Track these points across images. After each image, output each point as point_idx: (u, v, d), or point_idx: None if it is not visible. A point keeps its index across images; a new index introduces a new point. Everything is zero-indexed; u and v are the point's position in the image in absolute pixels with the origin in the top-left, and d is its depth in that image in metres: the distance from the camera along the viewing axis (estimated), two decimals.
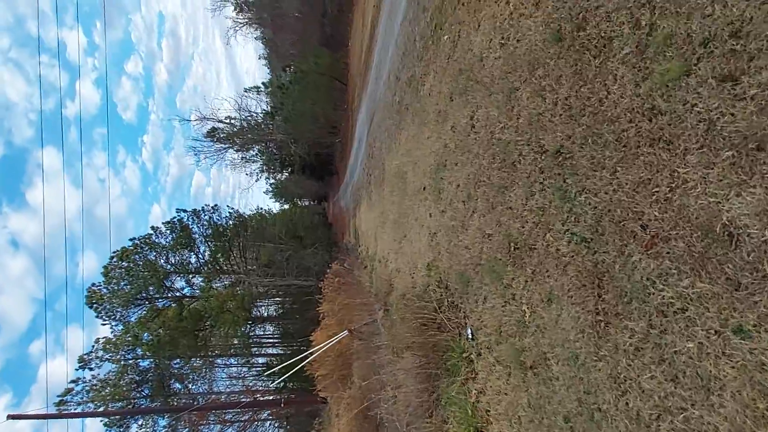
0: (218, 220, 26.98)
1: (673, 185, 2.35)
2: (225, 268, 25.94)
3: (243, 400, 23.93)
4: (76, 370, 22.43)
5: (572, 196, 3.16)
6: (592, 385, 2.82)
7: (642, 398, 2.42)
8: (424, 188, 7.39)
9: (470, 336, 4.93)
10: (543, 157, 3.61)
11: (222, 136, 28.99)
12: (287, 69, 28.17)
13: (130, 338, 22.57)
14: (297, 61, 27.91)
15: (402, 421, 6.48)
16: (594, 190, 2.93)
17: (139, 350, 23.28)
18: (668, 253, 2.35)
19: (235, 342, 26.62)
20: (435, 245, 6.58)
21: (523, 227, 3.92)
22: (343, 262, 15.70)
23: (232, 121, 29.05)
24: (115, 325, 23.52)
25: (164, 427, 23.73)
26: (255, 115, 29.40)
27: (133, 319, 23.68)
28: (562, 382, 3.14)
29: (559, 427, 3.12)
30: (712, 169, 2.13)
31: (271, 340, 31.61)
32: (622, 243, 2.66)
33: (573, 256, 3.12)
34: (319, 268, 21.54)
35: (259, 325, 29.52)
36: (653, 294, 2.42)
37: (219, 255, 25.44)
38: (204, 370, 27.92)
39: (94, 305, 23.05)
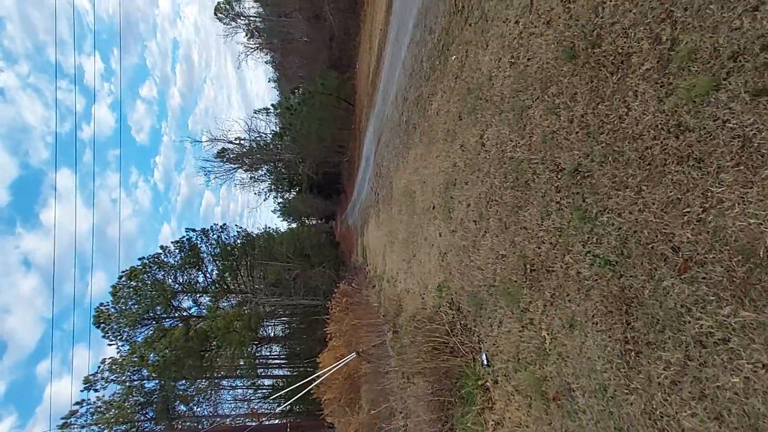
0: (226, 239, 27.07)
1: (707, 205, 2.20)
2: (232, 287, 25.83)
3: (248, 423, 23.34)
4: (81, 391, 22.19)
5: (593, 216, 3.02)
6: (624, 420, 2.61)
7: None
8: (433, 207, 7.28)
9: (485, 362, 4.70)
10: (559, 176, 3.48)
11: (232, 156, 29.40)
12: (296, 91, 28.74)
13: (136, 358, 22.34)
14: (305, 83, 28.49)
15: None
16: (617, 210, 2.78)
17: (145, 371, 23.01)
18: (705, 278, 2.18)
19: (241, 363, 26.23)
20: (445, 265, 6.41)
21: (540, 248, 3.76)
22: (350, 282, 15.50)
23: (242, 142, 29.52)
24: (122, 346, 23.36)
25: None
26: (264, 135, 29.86)
27: (139, 339, 23.54)
28: (589, 416, 2.92)
29: None
30: (751, 188, 1.99)
31: (277, 361, 31.11)
32: (652, 266, 2.50)
33: (596, 280, 2.95)
34: (326, 288, 21.32)
35: (266, 346, 29.14)
36: (689, 323, 2.24)
37: (226, 274, 25.39)
38: (209, 391, 27.46)
39: (102, 325, 22.99)
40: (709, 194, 2.20)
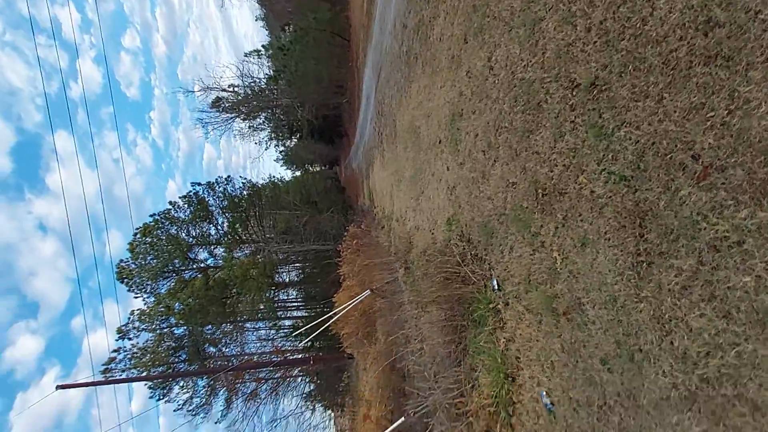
0: (233, 191, 27.18)
1: (732, 107, 2.10)
2: (244, 237, 26.46)
3: (274, 359, 25.27)
4: (116, 340, 23.87)
5: (609, 132, 2.93)
6: (632, 327, 2.75)
7: (689, 337, 2.33)
8: (440, 141, 7.12)
9: (496, 287, 4.89)
10: (574, 93, 3.33)
11: (227, 105, 28.48)
12: (286, 28, 26.94)
13: (162, 309, 23.70)
14: (295, 19, 26.60)
15: (429, 372, 6.67)
16: (636, 122, 2.68)
17: (172, 319, 24.51)
18: (724, 183, 2.15)
19: (261, 307, 27.74)
20: (454, 199, 6.43)
21: (552, 172, 3.71)
22: (359, 224, 15.74)
23: (236, 89, 28.40)
24: (147, 298, 24.66)
25: (203, 387, 25.44)
26: (258, 80, 28.62)
27: (162, 290, 24.75)
28: (598, 325, 3.08)
29: (596, 369, 3.10)
30: None
31: (295, 304, 32.81)
32: (669, 178, 2.46)
33: (610, 197, 2.94)
34: (336, 232, 21.76)
35: (283, 291, 30.54)
36: (705, 229, 2.25)
37: (237, 225, 25.89)
38: (235, 334, 29.38)
39: (125, 280, 24.09)
40: (736, 95, 2.09)
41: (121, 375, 23.53)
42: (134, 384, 26.80)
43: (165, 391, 24.50)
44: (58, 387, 16.86)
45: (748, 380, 2.01)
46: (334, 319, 12.41)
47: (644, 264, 2.66)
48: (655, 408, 2.56)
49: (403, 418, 6.21)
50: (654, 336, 2.58)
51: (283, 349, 27.27)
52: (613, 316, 2.93)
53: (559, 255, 3.62)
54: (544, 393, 3.70)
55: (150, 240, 24.59)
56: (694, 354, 2.30)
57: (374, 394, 11.67)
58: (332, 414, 33.70)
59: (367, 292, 10.93)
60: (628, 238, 2.78)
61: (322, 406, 32.24)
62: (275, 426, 27.81)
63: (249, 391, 26.25)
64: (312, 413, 30.41)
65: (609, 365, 2.96)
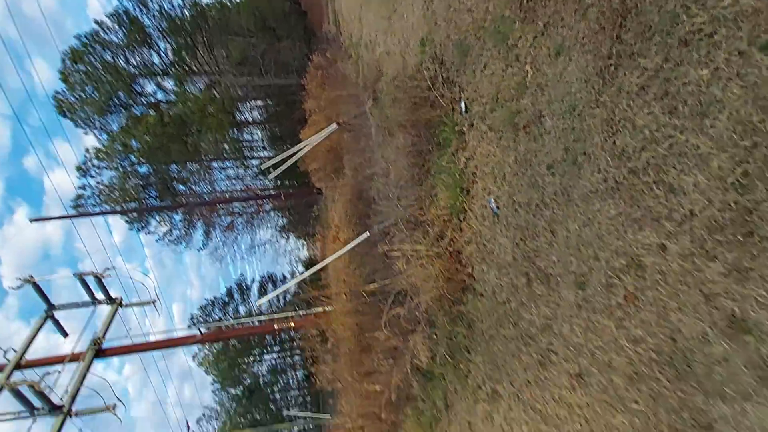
0: (170, 9, 22.86)
1: None
2: (195, 68, 23.71)
3: (245, 195, 26.30)
4: (78, 179, 23.36)
5: None
6: (583, 132, 2.93)
7: (632, 135, 2.54)
8: None
9: (464, 109, 4.90)
10: None
11: None
12: None
13: (119, 147, 22.63)
14: None
15: (393, 193, 7.23)
16: None
17: (133, 157, 23.76)
18: None
19: (226, 147, 27.12)
20: (431, 15, 5.77)
21: None
22: (324, 53, 14.29)
23: None
24: (99, 134, 23.18)
25: (180, 220, 26.82)
26: None
27: (115, 127, 23.17)
28: (552, 135, 3.26)
29: (541, 174, 3.44)
30: None
31: (261, 144, 32.28)
32: None
33: None
34: (299, 64, 19.86)
35: (245, 130, 29.50)
36: (683, 23, 2.19)
37: (183, 53, 22.79)
38: (202, 173, 29.44)
39: (67, 114, 22.03)
40: None
41: (94, 210, 23.99)
42: (111, 219, 27.70)
43: (142, 224, 25.64)
44: (32, 220, 17.23)
45: (672, 167, 2.30)
46: (301, 154, 12.47)
47: (612, 68, 2.66)
48: (583, 200, 2.97)
49: (367, 233, 7.00)
50: (600, 138, 2.79)
51: (253, 188, 28.14)
52: (568, 124, 3.09)
53: (531, 68, 3.54)
54: (492, 199, 4.17)
55: (84, 69, 21.56)
56: (630, 150, 2.55)
57: (342, 221, 12.83)
58: (304, 242, 37.66)
59: (334, 125, 10.73)
60: (604, 40, 2.69)
61: (295, 236, 35.69)
62: (254, 252, 31.04)
63: (226, 224, 28.11)
64: (286, 241, 33.81)
65: (553, 169, 3.27)
